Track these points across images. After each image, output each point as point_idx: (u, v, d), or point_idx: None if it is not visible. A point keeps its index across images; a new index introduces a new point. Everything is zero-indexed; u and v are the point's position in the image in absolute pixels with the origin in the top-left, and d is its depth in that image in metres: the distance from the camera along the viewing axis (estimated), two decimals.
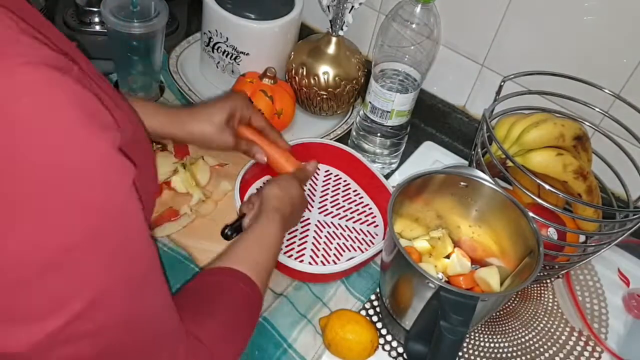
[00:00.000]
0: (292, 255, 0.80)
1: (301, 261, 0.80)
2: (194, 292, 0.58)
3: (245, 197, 0.86)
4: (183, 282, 0.75)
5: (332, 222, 0.86)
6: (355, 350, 0.70)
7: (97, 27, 1.05)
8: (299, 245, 0.82)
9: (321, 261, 0.81)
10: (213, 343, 0.53)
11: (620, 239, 0.75)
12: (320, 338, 0.73)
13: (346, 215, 0.88)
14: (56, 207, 0.36)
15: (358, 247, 0.84)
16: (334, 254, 0.82)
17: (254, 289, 0.61)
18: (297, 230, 0.84)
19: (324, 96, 0.98)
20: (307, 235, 0.84)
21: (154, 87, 1.00)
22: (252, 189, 0.88)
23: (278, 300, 0.76)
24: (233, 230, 0.73)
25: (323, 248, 0.82)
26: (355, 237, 0.85)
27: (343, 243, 0.84)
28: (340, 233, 0.85)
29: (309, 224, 0.85)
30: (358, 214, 0.88)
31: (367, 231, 0.86)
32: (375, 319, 0.77)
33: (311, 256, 0.81)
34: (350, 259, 0.77)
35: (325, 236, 0.84)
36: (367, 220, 0.88)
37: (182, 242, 0.79)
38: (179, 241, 0.79)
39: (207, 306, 0.54)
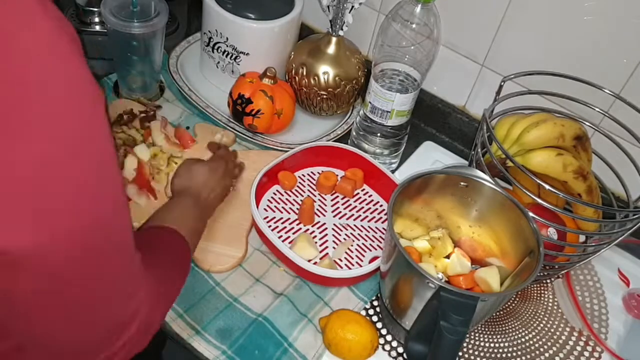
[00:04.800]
0: (316, 262, 0.80)
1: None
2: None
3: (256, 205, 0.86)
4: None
5: (347, 224, 0.86)
6: (355, 350, 0.70)
7: (97, 27, 1.05)
8: (320, 252, 0.82)
9: (345, 264, 0.81)
10: (157, 277, 0.57)
11: (620, 239, 0.75)
12: (321, 337, 0.73)
13: (360, 215, 0.88)
14: (49, 121, 0.39)
15: (378, 245, 0.84)
16: (357, 255, 0.82)
17: (178, 237, 0.68)
18: (315, 236, 0.84)
19: (324, 96, 0.97)
20: (326, 240, 0.84)
21: (154, 87, 1.00)
22: (266, 196, 0.88)
23: (278, 299, 0.76)
24: None
25: (345, 251, 0.82)
26: (373, 235, 0.85)
27: (362, 243, 0.84)
28: (358, 234, 0.85)
29: (326, 228, 0.85)
30: (371, 213, 0.89)
31: (383, 228, 0.86)
32: (375, 319, 0.77)
33: (335, 261, 0.81)
34: (374, 257, 0.77)
35: (344, 239, 0.84)
36: (381, 218, 0.88)
37: None
38: None
39: (148, 251, 0.56)
